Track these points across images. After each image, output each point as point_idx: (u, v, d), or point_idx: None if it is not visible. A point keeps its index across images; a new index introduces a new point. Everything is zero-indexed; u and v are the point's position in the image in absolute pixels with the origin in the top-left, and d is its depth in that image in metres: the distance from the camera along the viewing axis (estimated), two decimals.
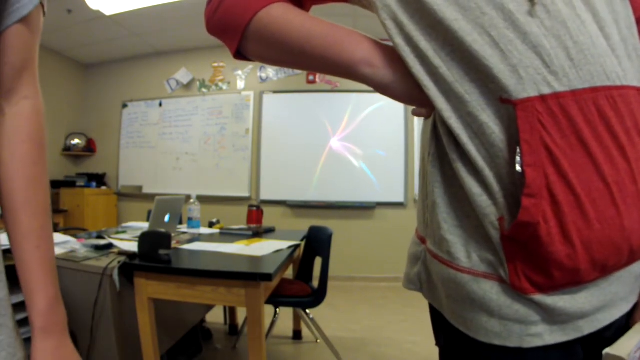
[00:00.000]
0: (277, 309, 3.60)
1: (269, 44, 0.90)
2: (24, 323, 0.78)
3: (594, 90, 0.70)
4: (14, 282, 0.74)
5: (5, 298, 0.67)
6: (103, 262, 2.27)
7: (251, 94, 6.86)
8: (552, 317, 0.74)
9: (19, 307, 0.77)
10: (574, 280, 0.72)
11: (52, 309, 0.75)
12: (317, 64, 0.87)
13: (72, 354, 0.76)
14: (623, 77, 0.74)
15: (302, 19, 0.87)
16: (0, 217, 0.78)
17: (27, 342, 0.72)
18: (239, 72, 6.92)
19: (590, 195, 0.69)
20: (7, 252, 0.79)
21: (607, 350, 0.76)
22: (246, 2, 0.89)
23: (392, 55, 0.81)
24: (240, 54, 0.96)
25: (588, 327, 0.76)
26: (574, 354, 0.80)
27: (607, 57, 0.73)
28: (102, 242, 2.67)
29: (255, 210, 4.00)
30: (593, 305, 0.75)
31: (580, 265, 0.70)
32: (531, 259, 0.71)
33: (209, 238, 3.34)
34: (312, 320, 3.50)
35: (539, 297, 0.73)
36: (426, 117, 0.89)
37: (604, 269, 0.73)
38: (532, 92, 0.69)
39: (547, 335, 0.75)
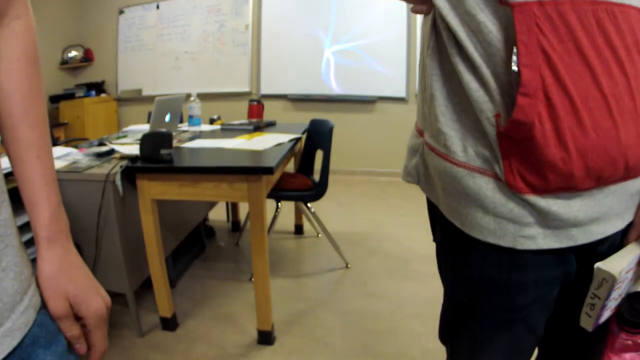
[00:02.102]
0: (279, 204, 3.65)
1: None
2: (29, 244, 0.80)
3: (594, 2, 0.69)
4: (17, 204, 0.75)
5: (9, 218, 0.67)
6: (105, 168, 2.29)
7: None
8: (545, 220, 0.76)
9: (23, 228, 0.77)
10: (567, 185, 0.73)
11: (56, 218, 0.76)
12: None
13: (78, 260, 0.78)
14: None
15: None
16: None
17: (33, 262, 0.73)
18: None
19: (586, 104, 0.68)
20: (8, 176, 0.79)
21: (598, 265, 0.78)
22: None
23: None
24: None
25: (581, 237, 0.78)
26: (566, 262, 0.82)
27: None
28: (103, 149, 2.67)
29: (256, 105, 3.98)
30: (587, 215, 0.77)
31: (574, 171, 0.71)
32: (526, 159, 0.72)
33: (210, 134, 3.34)
34: (313, 214, 3.56)
35: (533, 198, 0.74)
36: (425, 14, 0.87)
37: (598, 179, 0.73)
38: None
39: (540, 239, 0.77)
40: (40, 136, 0.77)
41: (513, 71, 0.69)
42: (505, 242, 0.77)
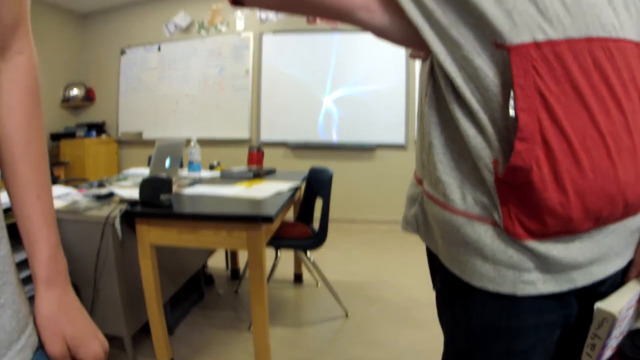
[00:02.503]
0: (278, 252, 3.64)
1: None
2: (27, 281, 0.79)
3: (590, 40, 0.70)
4: (15, 240, 0.75)
5: (7, 255, 0.67)
6: (105, 211, 2.30)
7: (250, 34, 6.75)
8: (545, 265, 0.75)
9: (21, 265, 0.77)
10: (566, 229, 0.73)
11: (55, 259, 0.76)
12: (315, 9, 0.86)
13: (76, 302, 0.78)
14: (619, 29, 0.73)
15: None
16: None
17: (31, 300, 0.73)
18: (238, 13, 6.79)
19: (584, 144, 0.68)
20: (7, 211, 0.79)
21: (598, 305, 0.77)
22: None
23: (388, 0, 0.80)
24: (237, 1, 0.95)
25: (582, 279, 0.77)
26: (567, 305, 0.81)
27: (603, 7, 0.72)
28: (103, 191, 2.68)
29: (256, 152, 4.00)
30: (587, 257, 0.76)
31: (573, 214, 0.70)
32: (525, 204, 0.72)
33: (210, 181, 3.35)
34: (312, 263, 3.54)
35: (532, 244, 0.74)
36: (423, 60, 0.89)
37: (597, 220, 0.73)
38: (526, 38, 0.69)
39: (540, 284, 0.76)
40: (41, 175, 0.77)
41: (510, 116, 0.69)
42: (505, 289, 0.77)
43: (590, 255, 0.76)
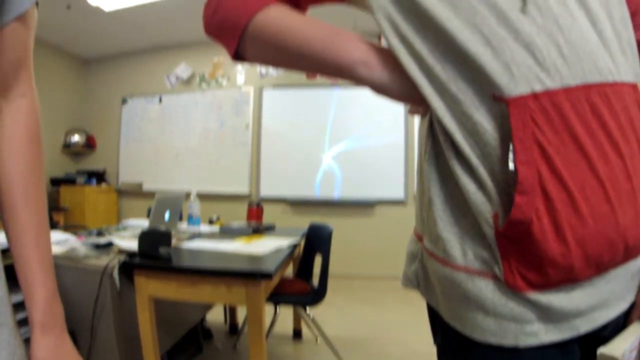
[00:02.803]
0: (278, 308, 3.61)
1: (266, 46, 0.90)
2: (22, 323, 0.79)
3: (587, 87, 0.71)
4: (12, 282, 0.75)
5: (4, 297, 0.67)
6: (103, 260, 2.28)
7: (251, 88, 6.87)
8: (547, 315, 0.74)
9: (18, 307, 0.77)
10: (568, 278, 0.72)
11: (51, 304, 0.76)
12: (314, 66, 0.88)
13: (72, 350, 0.77)
14: (616, 72, 0.74)
15: (300, 21, 0.87)
16: None
17: (26, 342, 0.73)
18: (239, 67, 6.91)
19: (583, 192, 0.69)
20: (4, 252, 0.79)
21: (601, 350, 0.77)
22: (244, 4, 0.90)
23: (388, 56, 0.82)
24: (239, 56, 0.96)
25: (584, 325, 0.76)
26: (570, 352, 0.80)
27: (600, 53, 0.73)
28: (102, 240, 2.67)
29: (255, 208, 4.01)
30: (589, 303, 0.75)
31: (574, 263, 0.70)
32: (525, 257, 0.71)
33: (209, 235, 3.34)
34: (312, 319, 3.50)
35: (533, 295, 0.73)
36: (422, 116, 0.90)
37: (598, 267, 0.73)
38: (524, 90, 0.69)
39: (542, 334, 0.75)
40: (39, 221, 0.78)
41: (510, 170, 0.70)
42: (507, 341, 0.76)
43: (592, 302, 0.76)
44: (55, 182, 6.79)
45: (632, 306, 0.83)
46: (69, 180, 6.92)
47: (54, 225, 4.30)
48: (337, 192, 6.47)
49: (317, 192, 6.53)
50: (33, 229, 0.76)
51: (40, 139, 0.81)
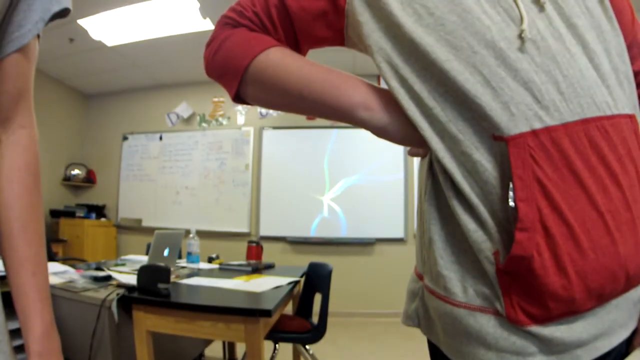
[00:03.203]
0: (277, 345, 3.57)
1: (267, 88, 0.92)
2: (19, 350, 0.79)
3: (585, 122, 0.72)
4: (9, 308, 0.75)
5: (1, 324, 0.67)
6: (102, 293, 2.27)
7: (251, 129, 6.91)
8: (549, 347, 0.74)
9: (15, 333, 0.77)
10: (570, 310, 0.72)
11: (48, 335, 0.76)
12: (315, 108, 0.89)
13: None
14: (614, 106, 0.75)
15: (300, 63, 0.89)
16: None
17: None
18: (239, 108, 6.96)
19: (583, 226, 0.69)
20: (2, 279, 0.80)
21: None
22: (245, 47, 0.91)
23: (388, 98, 0.83)
24: (239, 98, 0.98)
25: (586, 355, 0.76)
26: None
27: (597, 87, 0.74)
28: (101, 273, 2.67)
29: (255, 246, 4.01)
30: (591, 333, 0.75)
31: (576, 295, 0.70)
32: (526, 291, 0.72)
33: (208, 273, 3.33)
34: (312, 356, 3.46)
35: (535, 329, 0.73)
36: (422, 157, 0.90)
37: (600, 298, 0.73)
38: (523, 128, 0.70)
39: None
40: (37, 252, 0.78)
41: (510, 207, 0.70)
42: None
43: (594, 332, 0.75)
44: (55, 214, 6.75)
45: (635, 333, 0.83)
46: (69, 213, 6.90)
47: (52, 257, 4.30)
48: (336, 231, 6.46)
49: (316, 231, 6.51)
50: (30, 260, 0.77)
51: (38, 172, 0.82)
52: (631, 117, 0.78)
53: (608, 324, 0.77)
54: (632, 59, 0.86)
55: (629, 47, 0.86)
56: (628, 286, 0.76)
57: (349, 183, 6.49)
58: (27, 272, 0.76)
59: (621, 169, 0.73)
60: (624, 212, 0.72)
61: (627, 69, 0.82)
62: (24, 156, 0.79)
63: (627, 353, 0.84)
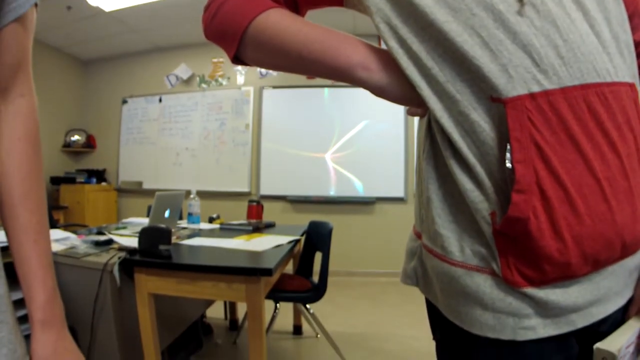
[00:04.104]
0: (278, 304, 3.61)
1: (266, 49, 0.91)
2: (23, 320, 0.80)
3: (584, 87, 0.71)
4: (12, 279, 0.75)
5: (4, 294, 0.68)
6: (103, 257, 2.29)
7: (251, 89, 6.86)
8: (545, 310, 0.75)
9: (18, 304, 0.78)
10: (565, 274, 0.73)
11: (51, 302, 0.77)
12: (314, 68, 0.88)
13: (71, 346, 0.78)
14: (614, 73, 0.75)
15: (299, 25, 0.88)
16: None
17: (27, 338, 0.73)
18: (239, 68, 6.90)
19: (580, 191, 0.70)
20: (4, 249, 0.80)
21: (597, 345, 0.77)
22: (243, 8, 0.90)
23: (386, 58, 0.83)
24: (238, 59, 0.97)
25: (581, 320, 0.77)
26: (568, 347, 0.81)
27: (598, 54, 0.74)
28: (102, 238, 2.69)
29: (255, 205, 4.01)
30: (586, 299, 0.76)
31: (571, 260, 0.71)
32: (523, 253, 0.72)
33: (209, 233, 3.35)
34: (312, 315, 3.51)
35: (531, 291, 0.74)
36: (421, 117, 0.90)
37: (595, 264, 0.74)
38: (521, 91, 0.70)
39: (540, 329, 0.76)
40: (39, 220, 0.78)
41: (507, 168, 0.70)
42: (505, 335, 0.76)
43: (590, 297, 0.76)
44: (55, 181, 6.78)
45: (630, 302, 0.84)
46: (69, 179, 6.92)
47: (54, 224, 4.31)
48: (337, 190, 6.48)
49: (317, 190, 6.53)
50: (32, 229, 0.77)
51: (39, 140, 0.82)
52: (631, 86, 0.78)
53: (604, 290, 0.78)
54: (633, 29, 0.85)
55: (630, 17, 0.85)
56: (624, 254, 0.77)
57: (350, 142, 6.48)
58: (29, 240, 0.77)
59: (619, 136, 0.73)
60: (622, 181, 0.72)
61: (627, 38, 0.81)
62: (24, 125, 0.79)
63: (623, 321, 0.84)
